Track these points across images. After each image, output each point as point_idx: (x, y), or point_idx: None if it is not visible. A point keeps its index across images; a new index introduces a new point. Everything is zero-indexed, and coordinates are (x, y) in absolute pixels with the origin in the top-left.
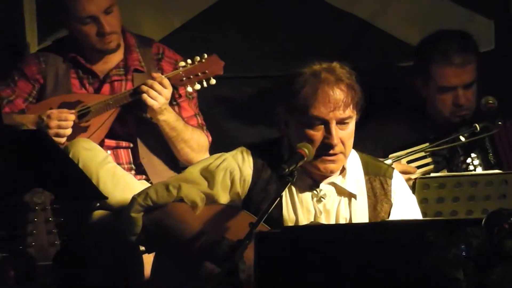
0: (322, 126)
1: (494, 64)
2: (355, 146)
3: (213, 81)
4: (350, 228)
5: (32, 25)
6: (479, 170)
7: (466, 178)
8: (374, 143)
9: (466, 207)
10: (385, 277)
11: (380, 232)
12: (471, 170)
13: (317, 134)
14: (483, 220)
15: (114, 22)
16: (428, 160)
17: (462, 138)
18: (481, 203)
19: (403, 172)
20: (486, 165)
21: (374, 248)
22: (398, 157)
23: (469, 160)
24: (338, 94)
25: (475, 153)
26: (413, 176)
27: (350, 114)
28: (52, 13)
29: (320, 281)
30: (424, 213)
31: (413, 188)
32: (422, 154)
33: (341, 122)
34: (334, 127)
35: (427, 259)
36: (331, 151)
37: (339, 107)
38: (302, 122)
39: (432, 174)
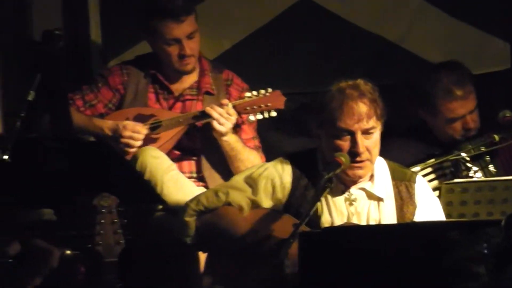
0: (349, 136)
1: (509, 81)
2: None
3: (273, 114)
4: (381, 228)
5: (98, 48)
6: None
7: (486, 183)
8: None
9: (486, 209)
10: (413, 272)
11: (408, 231)
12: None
13: (345, 144)
14: (502, 221)
15: (194, 46)
16: (432, 176)
17: (464, 154)
18: (499, 206)
19: None
20: (487, 176)
21: (403, 246)
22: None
23: (471, 173)
24: (362, 107)
25: (476, 166)
26: None
27: (374, 125)
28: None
29: (356, 275)
30: (448, 215)
31: (439, 192)
32: (430, 170)
33: (366, 132)
34: (359, 137)
35: (451, 256)
36: (358, 159)
37: (363, 119)
38: (331, 133)
39: (456, 180)
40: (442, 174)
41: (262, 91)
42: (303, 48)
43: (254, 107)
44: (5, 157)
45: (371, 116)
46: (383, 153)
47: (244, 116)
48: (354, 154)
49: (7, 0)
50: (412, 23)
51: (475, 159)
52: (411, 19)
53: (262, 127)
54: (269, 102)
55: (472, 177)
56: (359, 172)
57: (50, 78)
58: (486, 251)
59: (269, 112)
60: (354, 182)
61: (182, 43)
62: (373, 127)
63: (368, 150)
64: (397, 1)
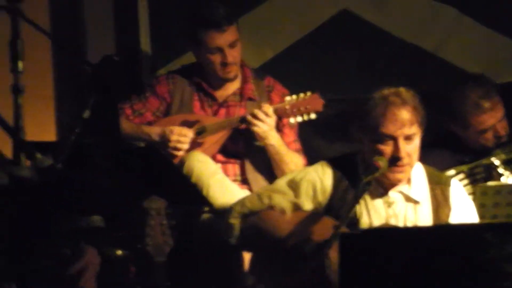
0: (391, 141)
1: None
2: None
3: (313, 116)
4: (417, 230)
5: (148, 53)
6: None
7: None
8: None
9: None
10: (448, 272)
11: (443, 233)
12: None
13: (387, 148)
14: None
15: (236, 54)
16: (465, 181)
17: (496, 160)
18: None
19: None
20: None
21: (438, 247)
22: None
23: (503, 178)
24: (404, 114)
25: (508, 170)
26: None
27: (415, 131)
28: (165, 46)
29: (394, 275)
30: (482, 216)
31: (474, 195)
32: (462, 175)
33: (408, 138)
34: (401, 142)
35: (485, 256)
36: (399, 163)
37: (405, 125)
38: (373, 139)
39: (489, 183)
40: (474, 179)
41: (301, 95)
42: (342, 57)
43: (294, 110)
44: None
45: (413, 123)
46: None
47: (285, 119)
48: (396, 158)
49: (62, 19)
50: (449, 34)
51: (506, 164)
52: (447, 29)
53: (303, 132)
54: (308, 104)
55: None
56: (399, 175)
57: (105, 97)
58: None
59: (308, 114)
60: (393, 185)
61: (224, 52)
62: (414, 134)
63: (408, 155)
64: (434, 12)
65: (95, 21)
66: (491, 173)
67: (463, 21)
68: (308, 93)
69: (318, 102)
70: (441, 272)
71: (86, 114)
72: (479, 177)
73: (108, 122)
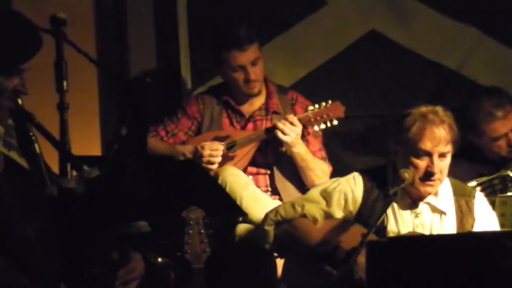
0: (427, 157)
1: None
2: None
3: (335, 122)
4: (443, 238)
5: (188, 76)
6: None
7: None
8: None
9: None
10: (471, 278)
11: (467, 241)
12: None
13: (422, 163)
14: None
15: (258, 71)
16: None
17: (510, 172)
18: None
19: None
20: None
21: (462, 254)
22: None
23: None
24: (442, 132)
25: None
26: None
27: (449, 149)
28: (203, 66)
29: (419, 282)
30: (502, 225)
31: (493, 205)
32: (480, 188)
33: (442, 155)
34: (436, 159)
35: (505, 262)
36: (432, 178)
37: (441, 143)
38: (410, 152)
39: (509, 193)
40: (492, 190)
41: (323, 103)
42: (370, 75)
43: (318, 118)
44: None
45: (448, 142)
46: None
47: (310, 128)
48: (429, 174)
49: (107, 41)
50: (472, 52)
51: None
52: (470, 48)
53: (335, 147)
54: (330, 112)
55: None
56: (430, 189)
57: (138, 115)
58: None
59: (331, 121)
60: (421, 197)
61: (247, 69)
62: (448, 152)
63: (441, 171)
64: (457, 32)
65: (138, 43)
66: (507, 184)
67: (485, 41)
68: (329, 101)
69: (339, 109)
70: (464, 278)
71: (124, 131)
72: (496, 188)
73: (139, 140)
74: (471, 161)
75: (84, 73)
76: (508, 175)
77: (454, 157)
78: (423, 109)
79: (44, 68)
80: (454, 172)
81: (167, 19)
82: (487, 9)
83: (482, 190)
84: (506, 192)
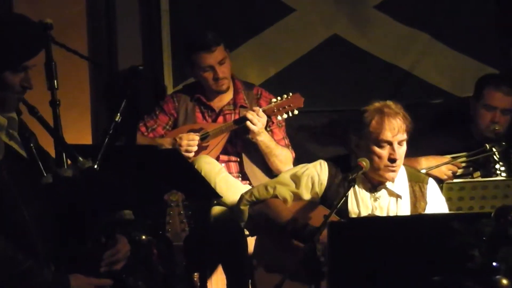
0: (388, 146)
1: None
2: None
3: (296, 112)
4: (398, 219)
5: (169, 74)
6: (504, 175)
7: (479, 183)
8: (428, 147)
9: (479, 204)
10: (422, 255)
11: (419, 222)
12: (498, 175)
13: (384, 152)
14: (493, 213)
15: (225, 70)
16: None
17: (495, 152)
18: (490, 201)
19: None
20: (509, 171)
21: (415, 233)
22: (429, 168)
23: (497, 166)
24: (399, 122)
25: (502, 162)
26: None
27: (405, 137)
28: (182, 66)
29: (376, 258)
30: (449, 209)
31: (441, 189)
32: (464, 164)
33: (400, 143)
34: (396, 146)
35: (452, 241)
36: (395, 164)
37: (399, 132)
38: (372, 143)
39: (455, 180)
40: (473, 167)
41: (285, 96)
42: (333, 75)
43: (280, 108)
44: (95, 166)
45: (404, 130)
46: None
47: (274, 118)
48: (392, 160)
49: (98, 42)
50: (423, 55)
51: (504, 158)
52: (422, 51)
53: (301, 139)
54: (291, 103)
55: (498, 172)
56: (392, 174)
57: (132, 103)
58: (480, 238)
59: (292, 111)
60: (380, 182)
61: (215, 69)
62: (405, 139)
63: (400, 157)
64: (410, 38)
65: (125, 43)
66: (489, 165)
67: (435, 45)
68: (290, 94)
69: (299, 100)
70: (416, 254)
71: (118, 117)
72: (477, 166)
73: (133, 124)
74: (455, 134)
75: (76, 71)
76: (493, 154)
77: (437, 130)
78: (377, 104)
79: (39, 68)
80: (435, 144)
81: (152, 24)
82: (437, 17)
83: (468, 167)
84: (489, 172)
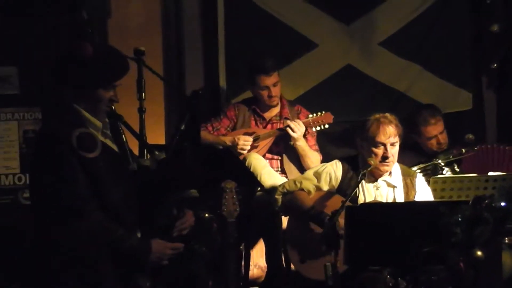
0: (382, 146)
1: (471, 116)
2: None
3: (326, 126)
4: (396, 205)
5: (224, 92)
6: None
7: (458, 178)
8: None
9: (457, 193)
10: (416, 232)
11: (412, 207)
12: None
13: (380, 151)
14: (471, 201)
15: (277, 90)
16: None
17: (441, 162)
18: (465, 192)
19: None
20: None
21: (410, 215)
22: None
23: (445, 171)
24: (391, 128)
25: (446, 168)
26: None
27: (397, 140)
28: (234, 85)
29: (380, 233)
30: (434, 197)
31: (428, 183)
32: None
33: (392, 144)
34: (389, 147)
35: (440, 222)
36: (387, 160)
37: (391, 136)
38: (370, 145)
39: (439, 176)
40: (426, 173)
41: (319, 113)
42: (346, 94)
43: (314, 122)
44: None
45: (396, 135)
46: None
47: (309, 129)
48: (385, 157)
49: (171, 65)
50: (415, 80)
51: (447, 165)
52: (414, 77)
53: (323, 142)
54: (322, 119)
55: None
56: (386, 168)
57: (194, 118)
58: (460, 219)
59: (323, 125)
60: (380, 175)
61: (270, 89)
62: (396, 142)
63: (392, 155)
64: (405, 67)
65: (191, 68)
66: (437, 170)
67: (423, 73)
68: (323, 112)
69: (329, 117)
70: (411, 231)
71: (183, 126)
72: (429, 172)
73: (194, 133)
74: (414, 153)
75: (154, 88)
76: (439, 164)
77: (404, 150)
78: (376, 115)
79: (129, 84)
80: (403, 160)
81: (212, 51)
82: (427, 51)
83: (421, 173)
84: (437, 175)
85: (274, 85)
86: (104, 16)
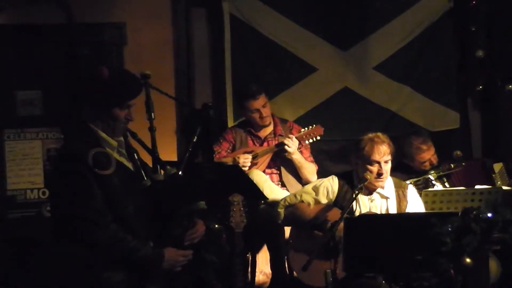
0: (377, 164)
1: (459, 134)
2: None
3: (318, 138)
4: (391, 216)
5: (231, 111)
6: None
7: (447, 191)
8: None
9: (446, 205)
10: (408, 241)
11: (405, 218)
12: None
13: (374, 168)
14: (460, 213)
15: (267, 111)
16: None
17: (431, 176)
18: (454, 204)
19: None
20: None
21: (404, 226)
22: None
23: (436, 187)
24: (384, 148)
25: (438, 182)
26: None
27: (390, 158)
28: (238, 107)
29: (374, 241)
30: (425, 208)
31: (420, 195)
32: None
33: (386, 162)
34: (383, 164)
35: (430, 232)
36: (381, 177)
37: (385, 155)
38: (366, 163)
39: (430, 189)
40: (417, 187)
41: (310, 126)
42: (343, 114)
43: (307, 135)
44: (180, 173)
45: (388, 154)
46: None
47: (302, 142)
48: (380, 174)
49: (182, 85)
50: (406, 101)
51: (437, 179)
52: (405, 99)
53: (320, 159)
54: (314, 131)
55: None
56: (381, 183)
57: (206, 130)
58: (450, 229)
59: (315, 137)
60: (374, 189)
61: (260, 110)
62: (389, 159)
63: (386, 172)
64: (397, 89)
65: (200, 90)
66: (428, 184)
67: (414, 95)
68: (314, 125)
69: (319, 130)
70: (403, 241)
71: (194, 139)
72: (421, 186)
73: (207, 145)
74: (404, 173)
75: (165, 108)
76: (429, 178)
77: (394, 170)
78: (370, 135)
79: (139, 106)
80: (396, 176)
81: (219, 76)
82: (417, 74)
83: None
84: (428, 188)
85: (263, 106)
86: (121, 44)
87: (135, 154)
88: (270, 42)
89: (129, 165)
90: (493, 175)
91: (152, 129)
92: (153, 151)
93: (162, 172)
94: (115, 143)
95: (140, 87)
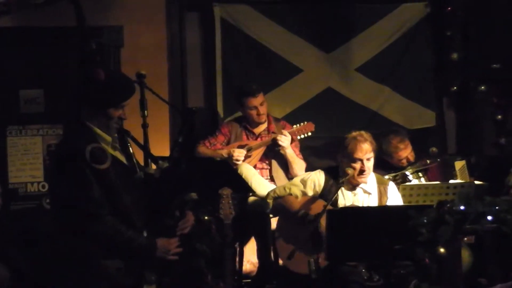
0: (360, 162)
1: (435, 132)
2: None
3: (309, 134)
4: (371, 208)
5: (221, 110)
6: None
7: (422, 185)
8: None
9: (423, 198)
10: (388, 233)
11: (385, 210)
12: None
13: (357, 165)
14: (435, 205)
15: (264, 109)
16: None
17: (408, 172)
18: (430, 197)
19: None
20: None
21: (383, 218)
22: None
23: (413, 182)
24: (367, 146)
25: (414, 177)
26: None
27: (372, 155)
28: (229, 105)
29: (357, 232)
30: (403, 202)
31: (398, 189)
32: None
33: (368, 159)
34: (365, 162)
35: (407, 223)
36: (364, 173)
37: (367, 152)
38: (349, 160)
39: (407, 183)
40: (396, 182)
41: (302, 123)
42: (327, 113)
43: (299, 131)
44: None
45: (371, 151)
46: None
47: (294, 137)
48: (362, 171)
49: (176, 86)
50: (386, 101)
51: (413, 173)
52: (385, 98)
53: (307, 154)
54: (305, 127)
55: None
56: (363, 179)
57: (189, 131)
58: (426, 221)
59: (307, 133)
60: (358, 184)
61: (257, 108)
62: (371, 157)
63: (368, 168)
64: (376, 89)
65: (193, 90)
66: (405, 179)
67: (393, 95)
68: (305, 122)
69: (311, 126)
70: (383, 232)
71: (181, 139)
72: (399, 181)
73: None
74: (383, 169)
75: (160, 108)
76: (406, 173)
77: (374, 167)
78: (353, 133)
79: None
80: (376, 171)
81: (210, 76)
82: (396, 76)
83: (391, 181)
84: (405, 183)
85: (261, 104)
86: (118, 46)
87: (129, 148)
88: (259, 44)
89: (123, 159)
90: (453, 172)
91: (145, 126)
92: (145, 146)
93: (154, 166)
94: (110, 138)
95: (133, 89)
